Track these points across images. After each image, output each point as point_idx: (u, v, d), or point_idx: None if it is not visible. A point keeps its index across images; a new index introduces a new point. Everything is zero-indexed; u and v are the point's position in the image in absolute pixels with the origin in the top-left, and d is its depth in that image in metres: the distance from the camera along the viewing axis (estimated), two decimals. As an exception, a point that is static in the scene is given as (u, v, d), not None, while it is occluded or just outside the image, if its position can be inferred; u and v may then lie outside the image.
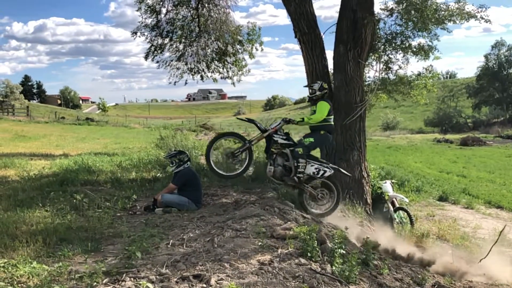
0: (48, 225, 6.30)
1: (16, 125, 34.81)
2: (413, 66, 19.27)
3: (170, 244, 5.35)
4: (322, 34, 10.46)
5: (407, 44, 10.77)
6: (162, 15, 14.17)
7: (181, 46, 14.64)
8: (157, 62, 14.89)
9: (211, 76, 15.33)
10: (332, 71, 10.66)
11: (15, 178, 10.74)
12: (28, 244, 5.40)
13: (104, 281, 4.03)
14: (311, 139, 7.80)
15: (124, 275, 4.17)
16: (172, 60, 14.82)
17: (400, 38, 10.75)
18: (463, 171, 23.22)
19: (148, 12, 14.11)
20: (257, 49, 14.92)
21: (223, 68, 15.10)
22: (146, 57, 14.85)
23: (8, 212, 7.16)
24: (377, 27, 10.52)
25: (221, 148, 9.51)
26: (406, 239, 8.88)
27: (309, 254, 4.76)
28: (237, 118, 8.32)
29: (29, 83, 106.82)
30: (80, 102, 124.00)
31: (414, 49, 10.73)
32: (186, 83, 15.24)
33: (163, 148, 13.88)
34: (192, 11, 14.20)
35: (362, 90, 10.33)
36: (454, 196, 15.89)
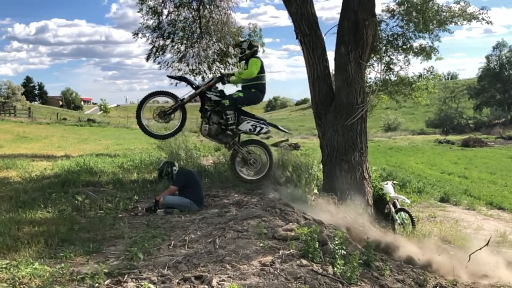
0: (50, 226, 6.31)
1: (18, 126, 34.85)
2: (414, 67, 19.27)
3: (172, 245, 5.35)
4: (323, 35, 10.47)
5: (408, 45, 10.77)
6: (164, 17, 14.21)
7: (182, 48, 14.67)
8: (159, 63, 14.92)
9: (212, 77, 15.33)
10: (333, 72, 10.67)
11: (17, 179, 10.75)
12: (30, 245, 5.41)
13: (106, 282, 4.04)
14: (240, 94, 7.65)
15: (126, 276, 4.18)
16: (173, 62, 14.84)
17: (401, 39, 10.75)
18: (464, 172, 23.16)
19: (150, 14, 14.14)
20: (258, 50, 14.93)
21: (224, 70, 15.11)
22: (147, 59, 14.89)
23: (10, 213, 7.18)
24: (379, 28, 10.52)
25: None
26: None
27: (310, 255, 4.76)
28: (167, 76, 7.94)
29: (31, 85, 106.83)
30: (82, 103, 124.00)
31: (416, 50, 10.73)
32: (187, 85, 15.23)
33: (165, 149, 13.87)
34: (193, 13, 14.22)
35: (363, 91, 10.33)
36: (456, 197, 15.85)
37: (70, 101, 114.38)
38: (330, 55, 10.58)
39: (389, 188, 11.65)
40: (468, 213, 14.17)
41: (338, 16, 10.46)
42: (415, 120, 77.49)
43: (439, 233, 10.87)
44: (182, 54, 14.69)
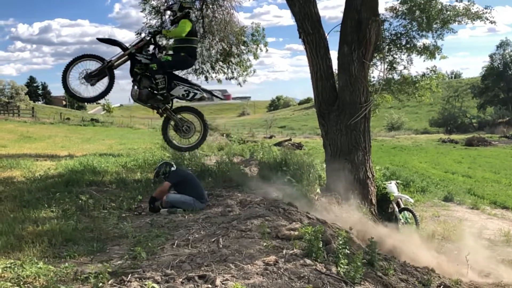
0: (53, 226, 6.33)
1: (22, 126, 34.91)
2: (418, 67, 19.25)
3: (175, 244, 5.35)
4: (326, 34, 10.47)
5: (412, 44, 10.76)
6: (166, 16, 14.21)
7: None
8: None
9: (215, 77, 15.36)
10: (336, 71, 10.66)
11: (20, 179, 10.77)
12: (34, 244, 5.42)
13: (109, 282, 4.04)
14: (169, 58, 7.43)
15: (130, 275, 4.18)
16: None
17: (405, 39, 10.74)
18: (468, 171, 23.12)
19: (153, 13, 14.16)
20: (261, 50, 14.96)
21: (227, 69, 15.12)
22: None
23: (14, 212, 7.21)
24: (382, 27, 10.51)
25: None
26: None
27: (314, 255, 4.75)
28: (97, 38, 7.42)
29: (34, 84, 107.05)
30: (85, 103, 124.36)
31: (419, 49, 10.72)
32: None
33: (168, 149, 13.89)
34: (196, 12, 14.22)
35: (366, 91, 10.32)
36: (459, 197, 15.82)
37: (73, 101, 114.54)
38: (334, 54, 10.60)
39: (392, 187, 11.64)
40: (472, 212, 14.14)
41: (341, 15, 10.46)
42: (418, 119, 77.40)
43: (443, 232, 10.85)
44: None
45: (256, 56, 15.10)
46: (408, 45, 10.80)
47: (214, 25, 14.28)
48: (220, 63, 15.10)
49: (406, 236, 8.74)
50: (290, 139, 39.43)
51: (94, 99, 7.66)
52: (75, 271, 4.35)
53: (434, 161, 27.42)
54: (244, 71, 15.29)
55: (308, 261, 4.62)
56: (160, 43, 7.68)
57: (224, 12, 14.31)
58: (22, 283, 4.03)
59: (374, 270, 5.07)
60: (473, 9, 9.97)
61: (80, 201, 7.72)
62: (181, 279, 4.07)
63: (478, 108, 75.10)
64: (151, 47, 7.62)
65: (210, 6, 14.19)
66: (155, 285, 3.83)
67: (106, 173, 11.38)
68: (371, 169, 10.57)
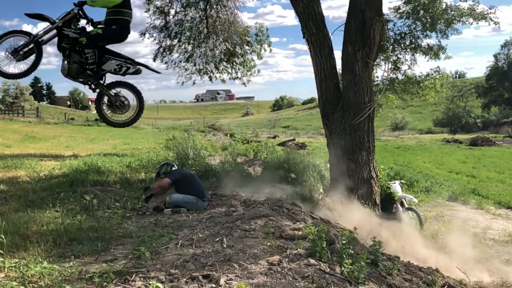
0: (58, 226, 6.35)
1: (26, 126, 35.04)
2: (421, 67, 19.22)
3: (179, 244, 5.36)
4: (330, 34, 10.46)
5: (416, 44, 10.74)
6: (171, 17, 14.26)
7: (189, 47, 14.73)
8: (166, 63, 14.99)
9: (219, 77, 15.39)
10: (340, 71, 10.65)
11: (25, 178, 10.81)
12: (39, 244, 5.44)
13: (114, 281, 4.06)
14: (99, 31, 7.09)
15: (134, 275, 4.19)
16: (180, 61, 14.91)
17: (409, 38, 10.72)
18: (472, 171, 23.04)
19: (157, 14, 14.21)
20: (265, 50, 14.99)
21: (231, 69, 15.14)
22: (154, 59, 14.95)
23: (19, 212, 7.23)
24: (386, 27, 10.49)
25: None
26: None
27: (318, 255, 4.75)
28: (25, 14, 7.26)
29: (39, 85, 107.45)
30: (90, 103, 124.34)
31: (424, 49, 10.70)
32: (194, 83, 15.29)
33: (172, 149, 13.92)
34: (200, 13, 14.26)
35: (370, 90, 10.31)
36: (464, 197, 15.77)
37: (78, 101, 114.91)
38: (337, 54, 10.59)
39: (396, 187, 11.61)
40: (476, 212, 14.10)
41: (345, 15, 10.45)
42: (422, 119, 77.22)
43: (447, 232, 10.82)
44: (189, 54, 14.75)
45: (260, 56, 15.13)
46: (413, 45, 10.78)
47: (218, 25, 14.30)
48: (224, 63, 15.12)
49: (410, 236, 8.73)
50: (294, 139, 39.43)
51: (19, 76, 7.32)
52: (80, 271, 4.37)
53: (438, 161, 27.35)
54: (248, 71, 15.31)
55: (312, 261, 4.62)
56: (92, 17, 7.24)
57: (228, 12, 14.33)
58: (27, 282, 4.04)
59: (378, 270, 5.07)
60: (477, 9, 9.95)
61: (84, 201, 7.74)
62: (185, 279, 4.08)
63: (482, 108, 74.85)
64: (84, 21, 7.32)
65: (214, 7, 14.21)
66: (159, 284, 3.84)
67: (110, 173, 11.42)
68: (375, 169, 10.55)
